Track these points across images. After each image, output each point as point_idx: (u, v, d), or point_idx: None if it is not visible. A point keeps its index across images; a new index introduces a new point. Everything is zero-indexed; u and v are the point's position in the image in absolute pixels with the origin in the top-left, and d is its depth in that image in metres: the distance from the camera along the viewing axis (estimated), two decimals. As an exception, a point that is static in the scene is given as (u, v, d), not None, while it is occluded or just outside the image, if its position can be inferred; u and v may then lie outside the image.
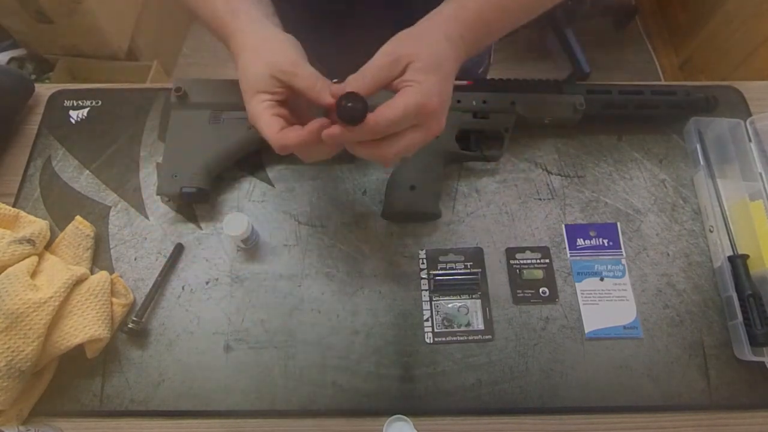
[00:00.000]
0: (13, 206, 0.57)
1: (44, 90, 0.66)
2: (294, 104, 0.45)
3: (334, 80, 0.53)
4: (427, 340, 0.52)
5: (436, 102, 0.40)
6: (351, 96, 0.38)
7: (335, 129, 0.40)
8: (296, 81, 0.44)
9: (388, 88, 0.42)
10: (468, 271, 0.55)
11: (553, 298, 0.54)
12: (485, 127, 0.59)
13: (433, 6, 0.48)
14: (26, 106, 0.65)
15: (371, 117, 0.39)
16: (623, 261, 0.56)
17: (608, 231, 0.57)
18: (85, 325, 0.48)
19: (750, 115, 0.63)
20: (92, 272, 0.54)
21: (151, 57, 1.53)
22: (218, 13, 0.48)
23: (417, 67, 0.40)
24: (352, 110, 0.37)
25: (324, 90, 0.42)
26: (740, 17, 1.44)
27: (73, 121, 0.63)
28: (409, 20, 0.47)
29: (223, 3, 0.48)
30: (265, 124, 0.43)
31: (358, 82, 0.41)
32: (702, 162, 0.58)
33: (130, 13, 1.50)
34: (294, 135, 0.42)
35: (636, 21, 1.91)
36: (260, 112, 0.43)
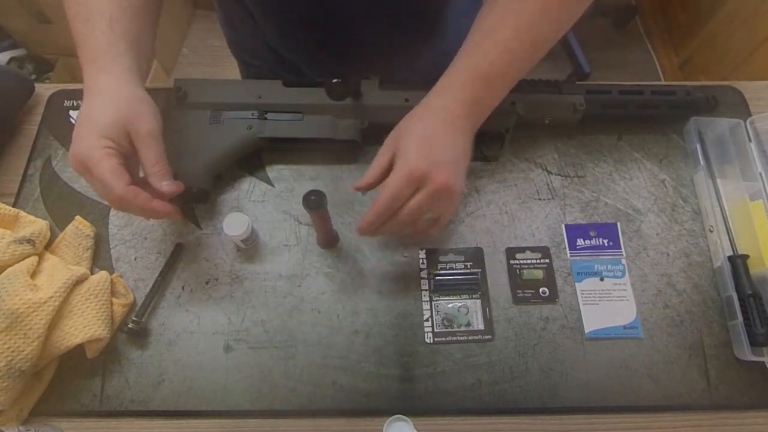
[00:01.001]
0: (13, 206, 0.57)
1: (44, 90, 0.66)
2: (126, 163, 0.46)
3: (334, 80, 0.53)
4: (427, 340, 0.52)
5: (423, 165, 0.43)
6: (314, 191, 0.47)
7: (361, 222, 0.46)
8: (145, 152, 0.46)
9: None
10: (468, 271, 0.55)
11: (553, 298, 0.54)
12: (485, 127, 0.59)
13: (421, 7, 0.49)
14: (26, 106, 0.65)
15: (375, 200, 0.45)
16: (623, 261, 0.56)
17: (608, 231, 0.57)
18: (85, 325, 0.48)
19: (750, 115, 0.63)
20: (92, 272, 0.54)
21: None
22: (94, 39, 0.47)
23: (401, 148, 0.45)
24: (312, 201, 0.47)
25: (162, 175, 0.46)
26: (740, 17, 1.44)
27: (73, 121, 0.63)
28: (398, 19, 0.48)
29: (102, 30, 0.47)
30: (109, 170, 0.43)
31: (369, 177, 0.47)
32: (702, 162, 0.58)
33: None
34: (150, 203, 0.45)
35: (636, 21, 1.91)
36: (103, 156, 0.43)
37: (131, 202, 0.44)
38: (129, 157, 0.46)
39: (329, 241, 0.56)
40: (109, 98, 0.45)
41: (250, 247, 0.56)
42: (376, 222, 0.46)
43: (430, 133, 0.45)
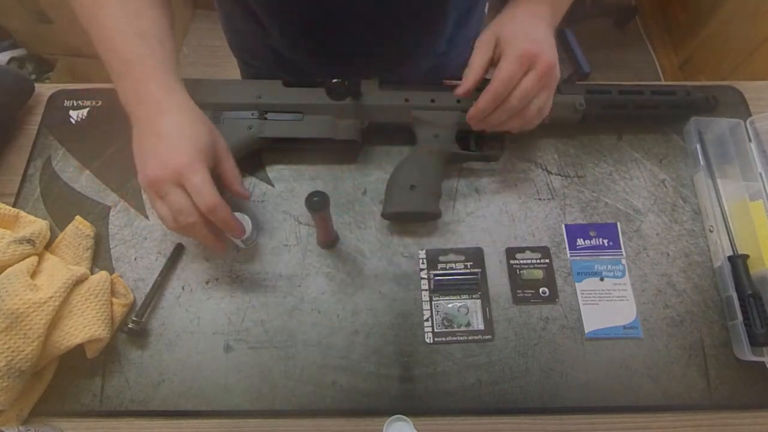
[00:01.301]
0: (13, 206, 0.57)
1: (44, 90, 0.66)
2: None
3: (334, 80, 0.53)
4: (427, 340, 0.52)
5: (532, 47, 0.46)
6: (316, 192, 0.47)
7: (478, 102, 0.49)
8: (227, 163, 0.49)
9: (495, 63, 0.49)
10: (468, 271, 0.55)
11: (553, 298, 0.54)
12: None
13: (421, 7, 0.50)
14: (26, 106, 0.65)
15: (489, 86, 0.48)
16: (623, 261, 0.56)
17: (608, 231, 0.57)
18: (85, 325, 0.48)
19: (750, 115, 0.63)
20: (92, 272, 0.54)
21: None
22: (152, 55, 0.46)
23: (504, 37, 0.48)
24: (315, 203, 0.47)
25: (242, 182, 0.50)
26: (740, 17, 1.44)
27: (73, 121, 0.63)
28: (399, 19, 0.49)
29: (154, 48, 0.47)
30: (209, 180, 0.45)
31: (474, 75, 0.49)
32: (702, 162, 0.58)
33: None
34: (231, 217, 0.47)
35: (636, 21, 1.92)
36: (203, 168, 0.44)
37: (220, 213, 0.45)
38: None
39: (329, 241, 0.56)
40: (194, 115, 0.47)
41: (250, 247, 0.56)
42: (489, 108, 0.49)
43: (528, 24, 0.49)
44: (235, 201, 0.59)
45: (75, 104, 0.64)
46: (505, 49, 0.47)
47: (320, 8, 0.59)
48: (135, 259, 0.56)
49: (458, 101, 0.58)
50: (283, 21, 0.64)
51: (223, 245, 0.50)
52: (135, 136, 0.47)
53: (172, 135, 0.45)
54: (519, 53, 0.46)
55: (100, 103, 0.64)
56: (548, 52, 0.47)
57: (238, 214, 0.52)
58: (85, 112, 0.64)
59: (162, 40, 0.48)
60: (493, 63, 0.50)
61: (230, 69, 0.81)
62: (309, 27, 0.63)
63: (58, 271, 0.51)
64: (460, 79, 0.57)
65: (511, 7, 0.52)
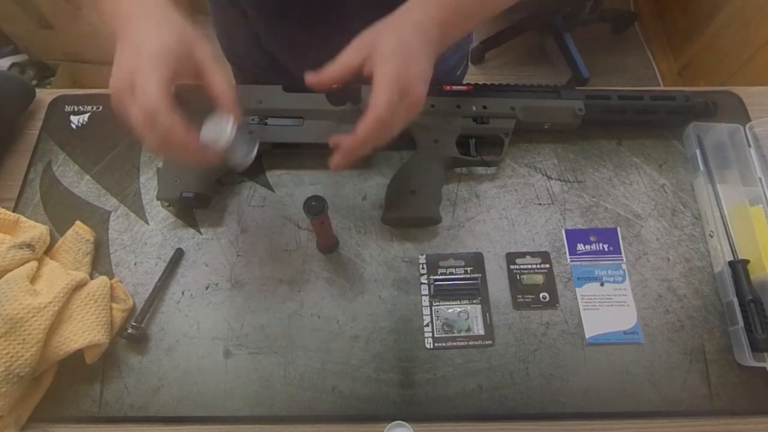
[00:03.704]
0: (14, 211, 0.57)
1: (45, 95, 0.66)
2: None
3: (334, 85, 0.53)
4: (428, 346, 0.52)
5: (407, 73, 0.43)
6: (314, 197, 0.47)
7: (358, 129, 0.44)
8: (214, 75, 0.42)
9: (363, 74, 0.44)
10: (468, 276, 0.55)
11: (553, 303, 0.54)
12: (485, 132, 0.59)
13: None
14: (27, 111, 0.65)
15: (368, 113, 0.43)
16: (623, 266, 0.56)
17: (608, 236, 0.57)
18: (85, 330, 0.48)
19: (749, 120, 0.63)
20: (92, 277, 0.54)
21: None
22: None
23: (379, 52, 0.43)
24: (314, 207, 0.46)
25: (234, 97, 0.43)
26: (739, 22, 1.45)
27: (73, 126, 0.63)
28: (389, 11, 0.48)
29: None
30: (172, 118, 0.39)
31: (331, 71, 0.44)
32: (701, 167, 0.58)
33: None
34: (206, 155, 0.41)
35: (635, 26, 1.92)
36: (165, 97, 0.38)
37: (160, 118, 0.38)
38: (179, 95, 0.42)
39: (329, 246, 0.56)
40: (165, 18, 0.41)
41: (239, 162, 0.49)
42: (372, 136, 0.43)
43: (407, 44, 0.44)
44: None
45: (76, 109, 0.64)
46: (379, 67, 0.43)
47: (315, 6, 0.59)
48: (135, 264, 0.56)
49: (458, 106, 0.59)
50: (274, 22, 0.64)
51: (193, 154, 0.41)
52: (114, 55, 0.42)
53: (133, 41, 0.40)
54: (395, 78, 0.42)
55: (100, 108, 0.64)
56: (421, 86, 0.44)
57: (216, 116, 0.44)
58: (85, 117, 0.64)
59: None
60: (358, 71, 0.45)
61: (231, 75, 0.82)
62: (302, 26, 0.63)
63: (57, 276, 0.51)
64: (459, 84, 0.57)
65: (402, 15, 0.46)
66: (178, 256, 0.56)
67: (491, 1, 0.49)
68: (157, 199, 0.57)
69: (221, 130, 0.44)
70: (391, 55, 0.43)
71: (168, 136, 0.39)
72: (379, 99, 0.42)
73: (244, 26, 0.67)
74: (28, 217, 0.55)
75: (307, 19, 0.62)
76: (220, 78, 0.43)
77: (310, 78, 0.45)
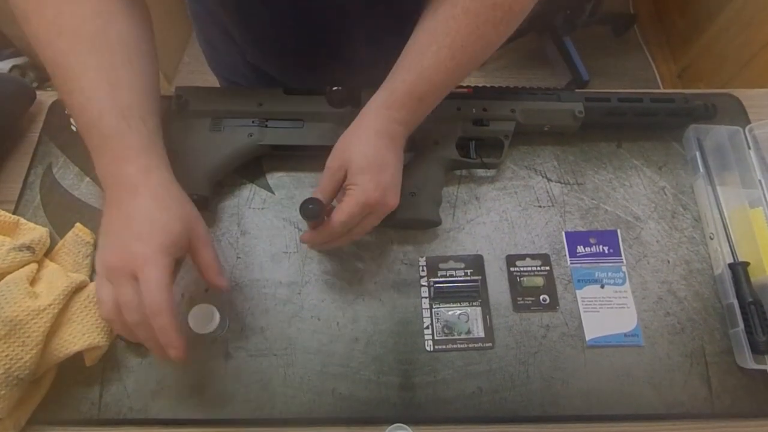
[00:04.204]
0: (14, 213, 0.57)
1: (46, 98, 0.66)
2: None
3: (335, 87, 0.53)
4: (428, 348, 0.52)
5: (377, 194, 0.47)
6: (311, 200, 0.47)
7: (307, 235, 0.50)
8: (206, 252, 0.45)
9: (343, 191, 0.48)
10: (468, 278, 0.55)
11: (553, 305, 0.54)
12: (485, 134, 0.59)
13: (403, 26, 0.49)
14: (28, 113, 0.65)
15: (327, 223, 0.48)
16: (623, 268, 0.56)
17: (608, 238, 0.57)
18: (84, 333, 0.48)
19: (749, 122, 0.63)
20: (92, 279, 0.54)
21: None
22: (131, 136, 0.43)
23: (353, 171, 0.47)
24: (310, 210, 0.47)
25: (221, 272, 0.46)
26: (738, 25, 1.45)
27: (74, 129, 0.63)
28: (398, 26, 0.48)
29: (138, 127, 0.43)
30: (163, 279, 0.40)
31: (318, 192, 0.49)
32: (701, 169, 0.58)
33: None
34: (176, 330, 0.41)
35: (634, 29, 1.93)
36: (165, 264, 0.40)
37: (162, 320, 0.39)
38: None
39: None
40: (170, 200, 0.43)
41: (218, 336, 0.52)
42: (323, 242, 0.50)
43: (379, 158, 0.48)
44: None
45: (76, 112, 0.64)
46: (352, 189, 0.47)
47: (291, 15, 0.59)
48: (135, 266, 0.56)
49: (458, 109, 0.59)
50: (254, 32, 0.64)
51: (167, 354, 0.41)
52: (105, 215, 0.43)
53: (140, 221, 0.41)
54: (364, 201, 0.46)
55: (101, 110, 0.64)
56: (392, 198, 0.48)
57: (204, 306, 0.48)
58: (86, 119, 0.64)
59: (143, 116, 0.44)
60: (340, 186, 0.49)
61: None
62: (285, 38, 0.63)
63: (57, 278, 0.51)
64: (459, 86, 0.57)
65: (366, 124, 0.49)
66: (178, 258, 0.56)
67: (444, 88, 0.51)
68: (157, 201, 0.57)
69: (208, 320, 0.48)
70: (361, 174, 0.47)
71: (162, 335, 0.40)
72: (341, 215, 0.47)
73: (226, 39, 0.67)
74: (28, 220, 0.55)
75: (295, 38, 0.62)
76: (211, 254, 0.46)
77: (303, 238, 0.52)
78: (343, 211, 0.47)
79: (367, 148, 0.48)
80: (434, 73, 0.48)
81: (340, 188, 0.49)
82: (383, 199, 0.47)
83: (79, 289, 0.51)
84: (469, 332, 0.53)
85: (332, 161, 0.49)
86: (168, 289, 0.40)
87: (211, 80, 0.83)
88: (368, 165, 0.47)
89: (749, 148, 0.59)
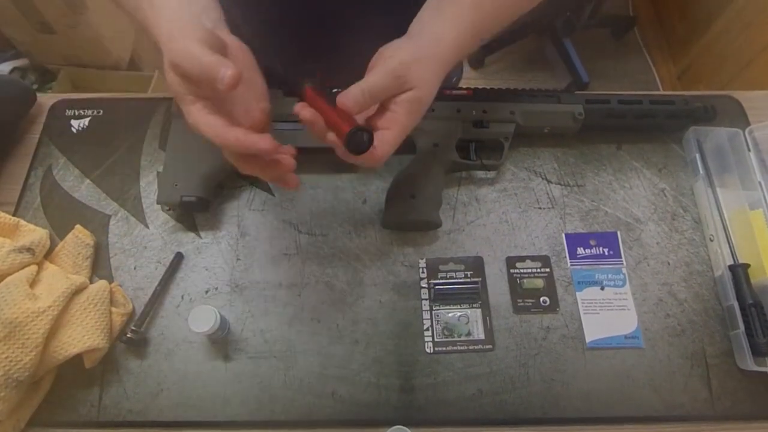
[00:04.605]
0: (14, 215, 0.57)
1: (46, 99, 0.66)
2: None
3: (335, 90, 0.53)
4: (428, 350, 0.52)
5: (414, 125, 0.42)
6: (360, 129, 0.39)
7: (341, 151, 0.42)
8: (189, 69, 0.38)
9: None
10: (468, 280, 0.55)
11: (553, 307, 0.54)
12: (485, 136, 0.59)
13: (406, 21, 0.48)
14: (28, 115, 0.65)
15: (370, 156, 0.41)
16: (624, 270, 0.56)
17: (608, 240, 0.57)
18: (84, 335, 0.48)
19: (748, 124, 0.63)
20: (92, 281, 0.54)
21: (152, 67, 1.54)
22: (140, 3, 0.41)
23: (415, 97, 0.41)
24: (361, 143, 0.39)
25: (220, 65, 0.36)
26: (738, 27, 1.45)
27: (74, 131, 0.63)
28: (402, 24, 0.47)
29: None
30: (205, 124, 0.39)
31: (360, 99, 0.40)
32: (701, 171, 0.58)
33: (132, 24, 1.51)
34: (260, 141, 0.39)
35: (634, 31, 1.93)
36: (194, 114, 0.39)
37: (243, 144, 0.38)
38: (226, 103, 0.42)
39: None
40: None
41: (219, 338, 0.52)
42: (364, 102, 0.40)
43: (432, 97, 0.43)
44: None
45: (76, 113, 0.64)
46: (404, 111, 0.42)
47: (310, 12, 0.59)
48: (134, 268, 0.56)
49: (458, 111, 0.59)
50: (265, 36, 0.64)
51: (278, 169, 0.41)
52: None
53: (174, 26, 0.39)
54: (418, 108, 0.42)
55: (101, 112, 0.64)
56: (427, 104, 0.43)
57: (204, 308, 0.48)
58: (86, 121, 0.64)
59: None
60: (389, 97, 0.42)
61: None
62: (292, 39, 0.63)
63: (57, 280, 0.51)
64: (458, 88, 0.57)
65: (441, 53, 0.44)
66: (178, 260, 0.56)
67: (497, 28, 0.48)
68: (158, 203, 0.57)
69: (208, 322, 0.48)
70: (419, 102, 0.42)
71: (242, 148, 0.40)
72: (387, 149, 0.41)
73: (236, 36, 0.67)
74: (28, 221, 0.55)
75: (298, 31, 0.62)
76: (200, 66, 0.40)
77: (341, 100, 0.41)
78: (392, 144, 0.41)
79: (434, 79, 0.43)
80: (492, 11, 0.45)
81: (388, 99, 0.42)
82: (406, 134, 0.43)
83: (78, 291, 0.51)
84: (469, 334, 0.53)
85: (398, 68, 0.41)
86: (202, 117, 0.39)
87: (212, 82, 0.83)
88: (427, 99, 0.43)
89: (749, 149, 0.59)
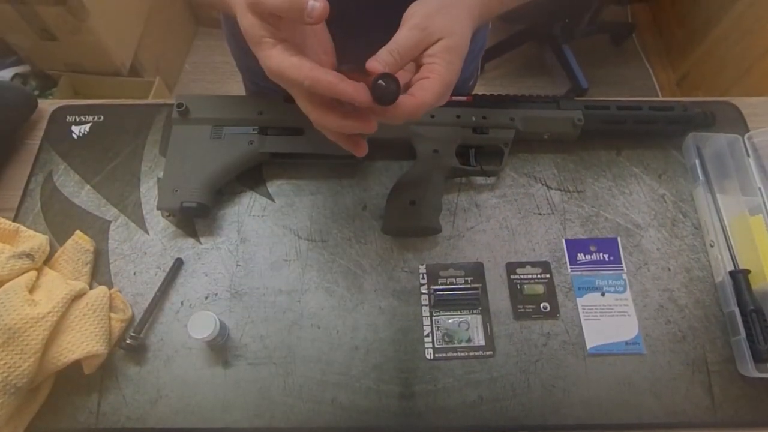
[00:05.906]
0: (14, 221, 0.57)
1: (47, 105, 0.67)
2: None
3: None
4: (428, 356, 0.52)
5: (455, 78, 0.41)
6: (386, 77, 0.36)
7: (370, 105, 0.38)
8: (275, 2, 0.36)
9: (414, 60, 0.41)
10: (468, 286, 0.55)
11: (554, 313, 0.54)
12: (485, 142, 0.60)
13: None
14: (29, 121, 0.65)
15: (407, 102, 0.38)
16: (624, 276, 0.56)
17: (609, 246, 0.57)
18: (83, 341, 0.48)
19: (747, 130, 0.63)
20: (91, 287, 0.54)
21: (153, 73, 1.55)
22: None
23: (447, 45, 0.40)
24: (387, 92, 0.37)
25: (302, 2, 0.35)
26: (736, 34, 1.46)
27: (75, 137, 0.64)
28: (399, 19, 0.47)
29: None
30: (291, 65, 0.36)
31: (390, 59, 0.38)
32: (701, 177, 0.59)
33: (134, 31, 1.52)
34: (347, 84, 0.36)
35: (633, 38, 1.94)
36: (275, 57, 0.37)
37: (332, 86, 0.36)
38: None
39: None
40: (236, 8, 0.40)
41: (218, 345, 0.52)
42: (394, 62, 0.39)
43: (466, 46, 0.42)
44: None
45: (77, 120, 0.65)
46: (440, 63, 0.40)
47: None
48: (134, 273, 0.56)
49: (458, 117, 0.59)
50: None
51: (359, 120, 0.39)
52: None
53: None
54: (448, 81, 0.40)
55: (101, 118, 0.65)
56: (447, 95, 0.42)
57: (204, 314, 0.48)
58: (87, 127, 0.64)
59: None
60: (419, 54, 0.41)
61: (232, 84, 0.82)
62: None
63: (56, 286, 0.50)
64: (461, 94, 0.57)
65: (468, 3, 0.44)
66: (178, 265, 0.56)
67: None
68: (158, 208, 0.57)
69: (207, 328, 0.48)
70: (453, 51, 0.40)
71: (321, 90, 0.37)
72: (427, 95, 0.39)
73: None
74: (28, 227, 0.55)
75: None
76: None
77: (370, 65, 0.38)
78: (432, 92, 0.39)
79: (465, 30, 0.42)
80: None
81: (417, 57, 0.41)
82: (450, 90, 0.41)
83: (78, 297, 0.50)
84: (469, 340, 0.52)
85: (421, 21, 0.40)
86: (285, 60, 0.37)
87: (212, 88, 0.84)
88: (464, 47, 0.41)
89: (748, 155, 0.59)
